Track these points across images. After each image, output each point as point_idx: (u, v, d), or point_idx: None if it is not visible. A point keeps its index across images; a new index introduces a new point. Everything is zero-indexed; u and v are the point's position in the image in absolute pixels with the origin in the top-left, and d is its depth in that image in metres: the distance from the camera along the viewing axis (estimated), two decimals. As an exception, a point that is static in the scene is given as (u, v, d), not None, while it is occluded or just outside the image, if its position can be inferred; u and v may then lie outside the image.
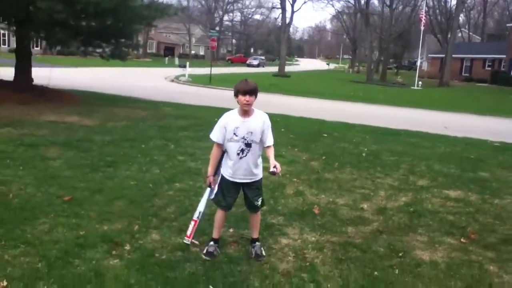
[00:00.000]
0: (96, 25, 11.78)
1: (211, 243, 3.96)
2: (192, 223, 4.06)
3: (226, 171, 3.89)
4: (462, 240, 4.45)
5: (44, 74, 15.79)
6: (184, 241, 4.02)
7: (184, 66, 28.77)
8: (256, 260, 3.84)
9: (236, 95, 3.69)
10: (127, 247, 3.93)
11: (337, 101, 21.16)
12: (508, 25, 48.72)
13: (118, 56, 15.00)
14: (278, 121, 11.69)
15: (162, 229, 4.38)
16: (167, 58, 56.08)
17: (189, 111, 13.21)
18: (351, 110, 17.76)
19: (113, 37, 13.40)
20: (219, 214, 4.02)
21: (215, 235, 4.01)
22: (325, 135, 10.39)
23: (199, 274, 3.55)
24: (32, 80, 13.68)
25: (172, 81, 27.65)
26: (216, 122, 3.83)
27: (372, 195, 5.81)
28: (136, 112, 12.17)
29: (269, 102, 14.90)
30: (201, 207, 4.06)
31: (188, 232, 4.05)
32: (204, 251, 3.88)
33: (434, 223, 4.89)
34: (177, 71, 31.57)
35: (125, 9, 11.02)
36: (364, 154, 8.30)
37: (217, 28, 63.90)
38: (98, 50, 14.88)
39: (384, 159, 8.00)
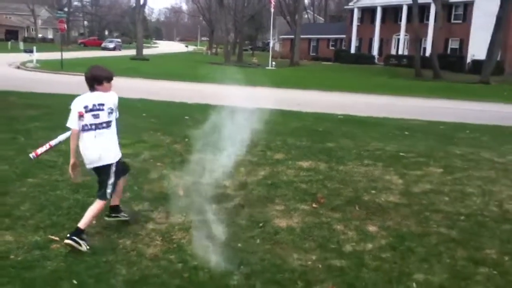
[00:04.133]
0: None
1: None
2: (47, 146, 4.13)
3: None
4: (313, 205, 4.96)
5: None
6: (30, 155, 4.15)
7: (31, 51, 26.14)
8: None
9: (101, 82, 3.86)
10: (-24, 253, 3.60)
11: (197, 83, 21.31)
12: (345, 7, 53.60)
13: None
14: (139, 107, 11.46)
15: (16, 229, 4.09)
16: (9, 43, 50.23)
17: (39, 99, 12.19)
18: (209, 91, 18.06)
19: None
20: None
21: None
22: (187, 117, 10.47)
23: (61, 270, 3.43)
24: None
25: (18, 67, 25.07)
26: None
27: (233, 172, 6.10)
28: (-23, 103, 10.87)
29: (128, 87, 14.44)
30: (62, 137, 4.10)
31: (38, 151, 4.13)
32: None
33: (290, 192, 5.35)
34: (23, 56, 28.56)
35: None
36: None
37: (66, 9, 59.09)
38: None
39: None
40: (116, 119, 4.01)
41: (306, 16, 64.05)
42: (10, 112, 9.93)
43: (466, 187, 5.59)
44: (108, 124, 3.90)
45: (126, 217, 4.35)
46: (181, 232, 4.21)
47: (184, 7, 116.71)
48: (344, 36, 50.62)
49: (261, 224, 4.42)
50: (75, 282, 3.28)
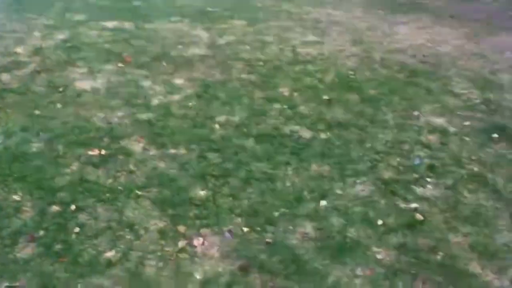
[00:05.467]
0: None
1: None
2: None
3: None
4: (119, 64, 4.77)
5: None
6: None
7: None
8: None
9: None
10: None
11: None
12: None
13: None
14: None
15: None
16: None
17: None
18: None
19: None
20: None
21: None
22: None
23: None
24: None
25: None
26: None
27: (25, 38, 5.41)
28: None
29: None
30: None
31: None
32: None
33: (92, 54, 5.02)
34: None
35: None
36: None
37: None
38: None
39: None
40: None
41: None
42: None
43: (265, 37, 5.94)
44: None
45: None
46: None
47: None
48: None
49: (61, 89, 4.14)
50: None
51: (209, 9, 7.16)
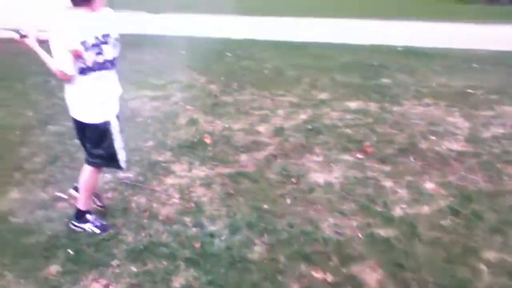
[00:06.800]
0: None
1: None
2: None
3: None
4: (358, 155, 4.23)
5: None
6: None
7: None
8: None
9: None
10: (-29, 215, 3.27)
11: (244, 16, 20.22)
12: None
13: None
14: (178, 43, 10.82)
15: (25, 184, 3.73)
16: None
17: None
18: (258, 24, 17.03)
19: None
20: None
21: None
22: (229, 54, 9.74)
23: (60, 236, 3.02)
24: None
25: None
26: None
27: (270, 115, 5.43)
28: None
29: (172, 22, 13.75)
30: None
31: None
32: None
33: (331, 139, 4.62)
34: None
35: None
36: (266, 71, 7.84)
37: None
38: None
39: (286, 75, 7.60)
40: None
41: None
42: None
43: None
44: (114, 63, 2.85)
45: (96, 228, 3.09)
46: (203, 189, 3.68)
47: None
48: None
49: (294, 179, 3.79)
50: (70, 252, 2.85)
51: (470, 90, 6.14)
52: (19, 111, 5.54)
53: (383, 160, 4.11)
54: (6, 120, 5.22)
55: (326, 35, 12.66)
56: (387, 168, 3.97)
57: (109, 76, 2.83)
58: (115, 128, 2.88)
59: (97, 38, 2.64)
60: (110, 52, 2.75)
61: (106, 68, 2.76)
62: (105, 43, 2.70)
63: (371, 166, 4.01)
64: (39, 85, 6.84)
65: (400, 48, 10.76)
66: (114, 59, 2.81)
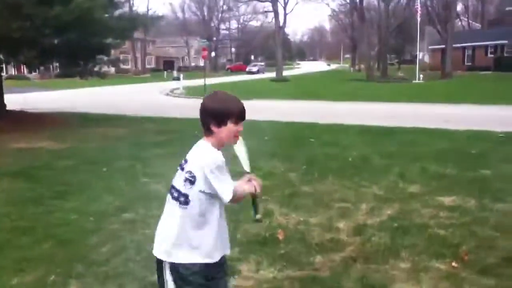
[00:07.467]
0: (62, 41, 11.10)
1: None
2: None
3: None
4: (453, 264, 3.58)
5: (37, 99, 15.19)
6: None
7: (178, 79, 28.14)
8: None
9: (224, 120, 2.11)
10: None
11: (334, 102, 20.29)
12: (507, 8, 47.38)
13: (97, 74, 14.34)
14: (264, 128, 10.90)
15: (86, 278, 3.58)
16: (166, 72, 55.41)
17: (172, 125, 12.43)
18: (346, 110, 16.89)
19: (86, 54, 12.68)
20: None
21: None
22: (312, 139, 9.55)
23: None
24: (4, 106, 13.04)
25: (167, 94, 27.04)
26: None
27: (352, 209, 4.96)
28: (116, 131, 11.46)
29: (261, 108, 14.07)
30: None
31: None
32: None
33: (421, 242, 4.02)
34: (173, 84, 30.95)
35: (91, 21, 10.29)
36: (350, 159, 7.45)
37: (214, 38, 63.40)
38: (76, 69, 14.19)
39: (373, 164, 7.14)
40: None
41: (459, 23, 58.50)
42: (142, 138, 10.18)
43: None
44: (181, 199, 2.14)
45: None
46: (269, 294, 3.27)
47: (327, 26, 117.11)
48: (505, 41, 44.62)
49: (375, 292, 3.25)
50: None
51: None
52: (98, 195, 5.66)
53: (482, 271, 3.42)
54: (84, 205, 5.31)
55: (418, 120, 12.08)
56: (489, 281, 3.28)
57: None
58: None
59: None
60: (179, 182, 2.22)
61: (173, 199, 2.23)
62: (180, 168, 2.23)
63: (469, 279, 3.34)
64: (123, 170, 7.07)
65: (501, 135, 9.85)
66: (184, 195, 2.19)
